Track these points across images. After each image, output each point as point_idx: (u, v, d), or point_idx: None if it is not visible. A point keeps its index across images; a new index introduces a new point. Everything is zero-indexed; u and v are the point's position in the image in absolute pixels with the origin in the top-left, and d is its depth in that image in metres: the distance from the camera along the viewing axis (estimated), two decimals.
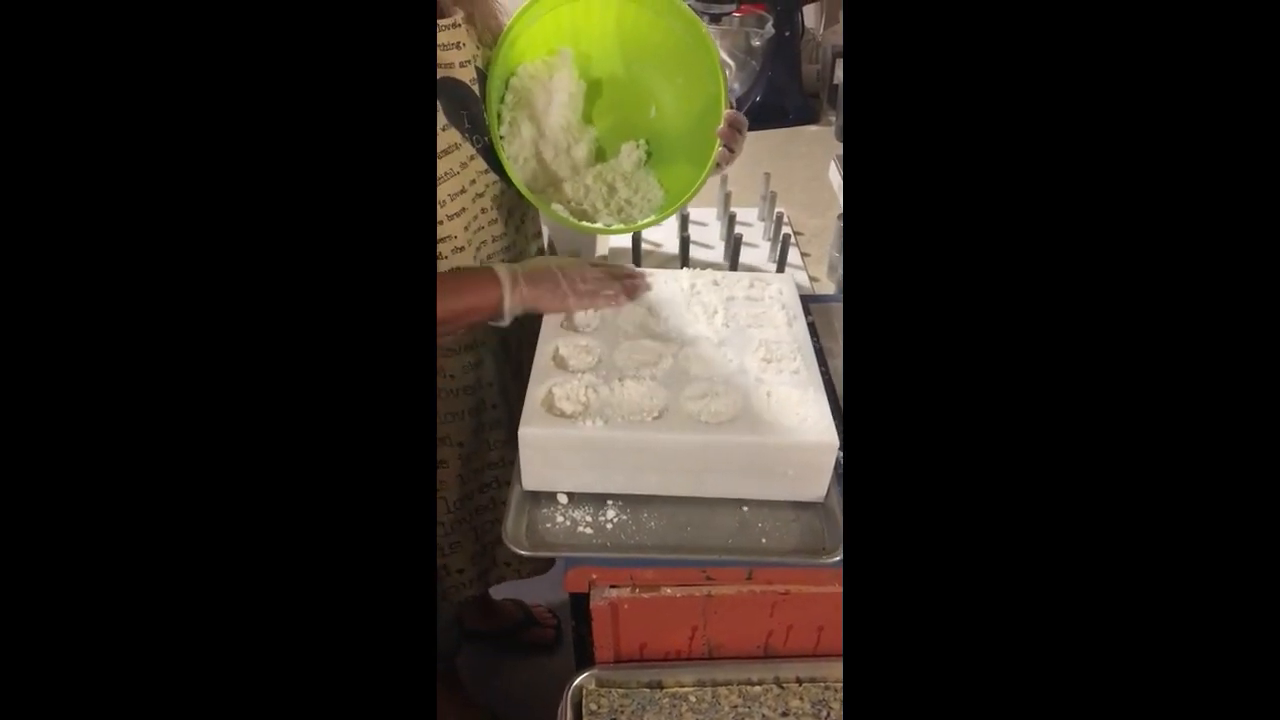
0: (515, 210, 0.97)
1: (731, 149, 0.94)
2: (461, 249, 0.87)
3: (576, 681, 0.76)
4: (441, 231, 0.85)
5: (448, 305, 0.80)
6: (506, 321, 0.84)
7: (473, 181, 0.88)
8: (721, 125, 0.92)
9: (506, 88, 0.93)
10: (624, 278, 0.90)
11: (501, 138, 0.90)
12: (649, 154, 1.05)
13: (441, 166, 0.83)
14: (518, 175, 0.92)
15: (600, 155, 1.05)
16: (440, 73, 0.84)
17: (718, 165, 0.94)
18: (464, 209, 0.87)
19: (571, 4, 0.93)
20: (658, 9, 0.95)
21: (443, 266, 0.86)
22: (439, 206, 0.84)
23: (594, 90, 1.01)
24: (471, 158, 0.87)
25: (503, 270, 0.84)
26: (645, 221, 0.97)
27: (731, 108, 0.94)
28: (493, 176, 0.90)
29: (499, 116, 0.91)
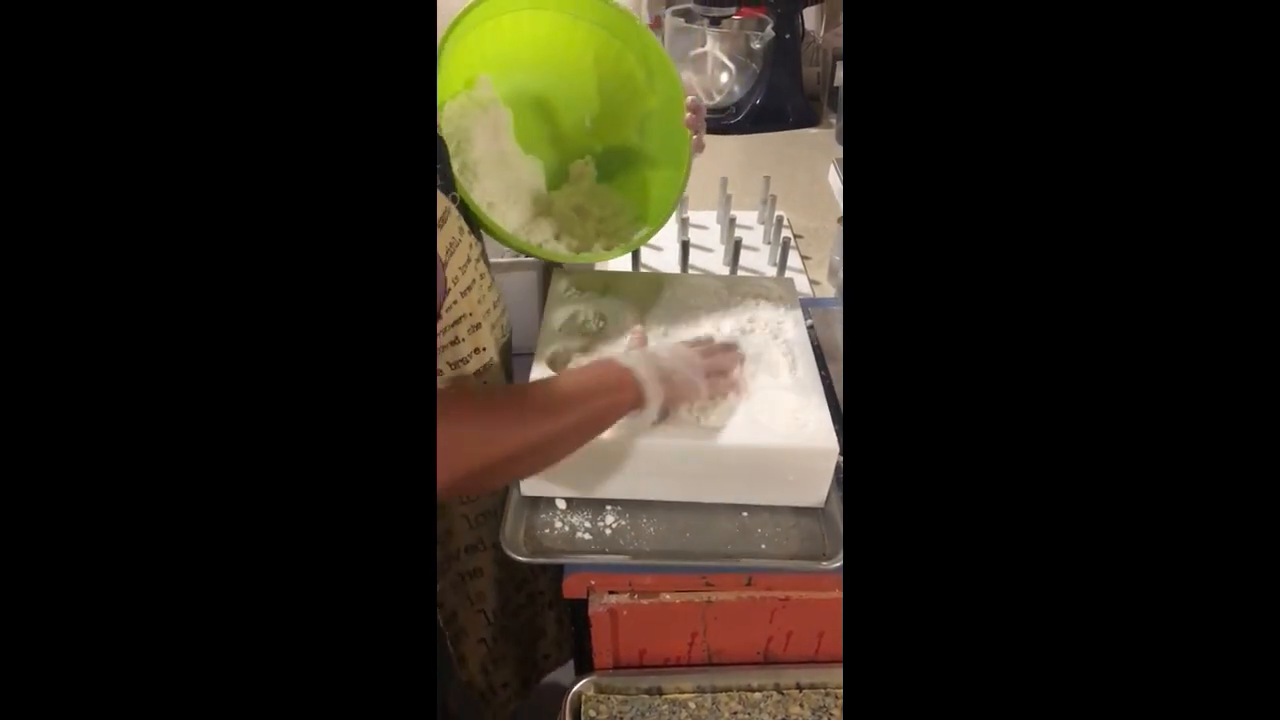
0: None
1: (698, 134, 0.88)
2: (478, 326, 0.76)
3: (575, 688, 0.76)
4: (457, 311, 0.73)
5: (594, 405, 0.67)
6: (654, 420, 0.72)
7: (471, 246, 0.76)
8: (686, 115, 0.87)
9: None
10: (721, 352, 0.77)
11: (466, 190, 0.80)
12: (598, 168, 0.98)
13: (444, 239, 0.70)
14: (496, 224, 0.82)
15: (552, 182, 0.96)
16: None
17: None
18: (474, 281, 0.75)
19: (479, 28, 0.82)
20: (577, 12, 0.87)
21: (464, 350, 0.75)
22: (452, 285, 0.72)
23: (521, 114, 0.92)
24: (461, 221, 0.75)
25: (635, 363, 0.70)
26: (641, 236, 0.92)
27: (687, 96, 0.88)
28: (472, 237, 0.78)
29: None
